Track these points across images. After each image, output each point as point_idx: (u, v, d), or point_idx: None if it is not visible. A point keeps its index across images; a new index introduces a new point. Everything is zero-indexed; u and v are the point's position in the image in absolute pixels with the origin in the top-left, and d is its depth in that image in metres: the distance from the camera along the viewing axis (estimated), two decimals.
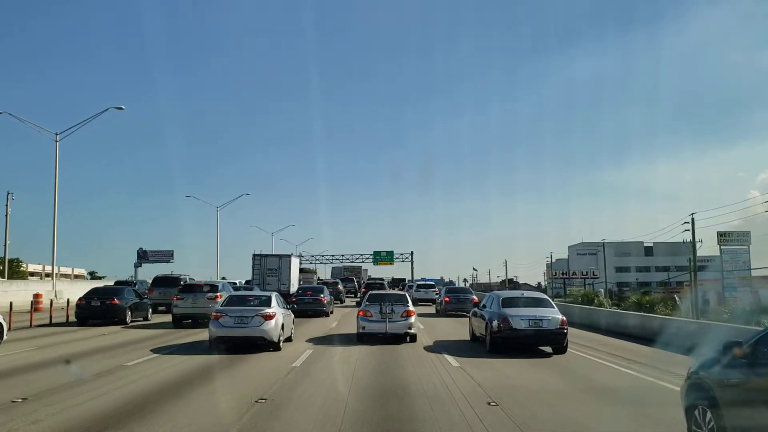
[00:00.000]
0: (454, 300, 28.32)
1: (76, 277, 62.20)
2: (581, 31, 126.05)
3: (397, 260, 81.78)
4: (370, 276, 68.90)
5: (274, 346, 14.05)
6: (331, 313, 27.54)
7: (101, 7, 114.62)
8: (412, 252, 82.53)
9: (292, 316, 16.77)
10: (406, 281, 60.49)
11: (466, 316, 25.65)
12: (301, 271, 54.77)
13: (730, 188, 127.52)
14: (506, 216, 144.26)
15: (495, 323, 13.84)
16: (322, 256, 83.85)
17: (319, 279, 57.30)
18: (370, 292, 18.84)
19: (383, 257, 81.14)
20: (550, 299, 15.32)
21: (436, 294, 40.64)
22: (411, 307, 16.43)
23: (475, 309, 16.59)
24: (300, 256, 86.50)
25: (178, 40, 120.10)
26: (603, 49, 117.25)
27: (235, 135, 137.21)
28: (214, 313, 14.26)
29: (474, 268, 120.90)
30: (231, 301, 14.98)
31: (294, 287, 32.53)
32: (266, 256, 34.59)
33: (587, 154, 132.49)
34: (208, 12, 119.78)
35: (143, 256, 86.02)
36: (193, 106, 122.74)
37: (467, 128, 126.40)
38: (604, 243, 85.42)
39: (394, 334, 15.87)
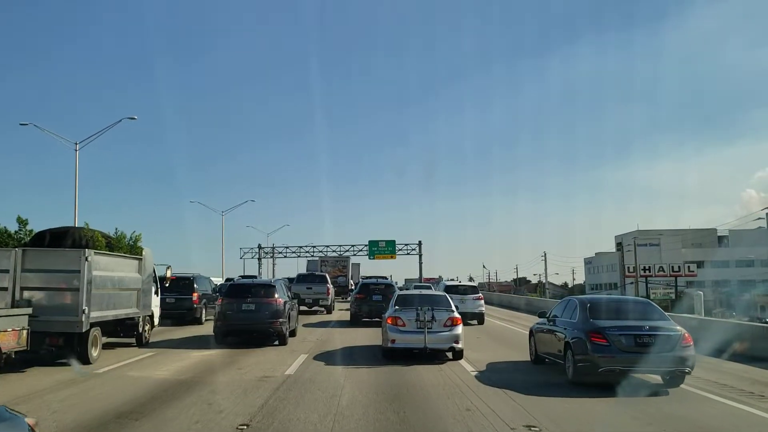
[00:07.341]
0: (629, 337, 9.29)
1: None
2: (583, 28, 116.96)
3: (400, 252, 60.74)
4: (363, 275, 48.37)
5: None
6: None
7: None
8: (420, 242, 61.28)
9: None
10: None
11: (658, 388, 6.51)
12: (57, 235, 13.74)
13: (727, 186, 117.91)
14: (511, 213, 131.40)
15: None
16: (300, 248, 62.74)
17: (167, 276, 19.45)
18: (398, 294, 15.03)
19: (382, 249, 59.82)
20: None
21: (482, 304, 23.50)
22: (456, 314, 12.85)
23: None
24: (272, 247, 65.68)
25: (178, 33, 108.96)
26: (604, 46, 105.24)
27: (234, 128, 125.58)
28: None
29: (484, 266, 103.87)
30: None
31: None
32: None
33: (590, 151, 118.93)
34: (207, 4, 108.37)
35: None
36: (193, 99, 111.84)
37: (470, 124, 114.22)
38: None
39: (436, 350, 12.35)
